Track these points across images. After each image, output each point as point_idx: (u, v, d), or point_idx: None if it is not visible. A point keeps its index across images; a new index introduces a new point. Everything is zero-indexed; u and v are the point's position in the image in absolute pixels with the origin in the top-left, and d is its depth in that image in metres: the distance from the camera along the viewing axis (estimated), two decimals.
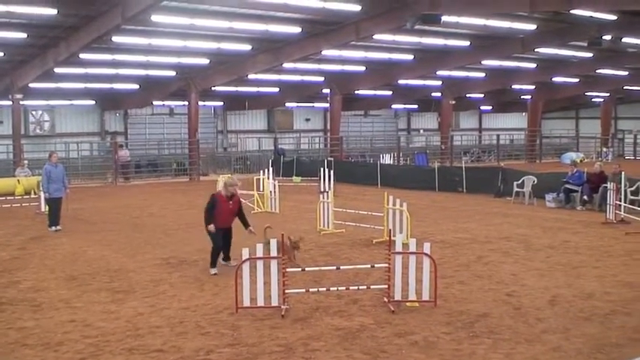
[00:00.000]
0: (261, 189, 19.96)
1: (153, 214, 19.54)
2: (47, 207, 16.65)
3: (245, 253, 8.78)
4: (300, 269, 9.64)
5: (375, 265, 9.74)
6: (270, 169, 21.18)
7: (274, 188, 19.54)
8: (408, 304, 8.93)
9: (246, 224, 11.44)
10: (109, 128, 39.70)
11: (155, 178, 33.76)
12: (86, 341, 7.64)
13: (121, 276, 11.10)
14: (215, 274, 10.92)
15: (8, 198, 21.93)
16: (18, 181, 25.96)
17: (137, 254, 13.05)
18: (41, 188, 17.88)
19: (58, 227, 16.06)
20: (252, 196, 19.75)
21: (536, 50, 30.56)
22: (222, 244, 11.32)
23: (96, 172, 34.12)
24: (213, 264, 11.14)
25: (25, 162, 28.86)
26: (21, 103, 32.03)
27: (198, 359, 6.98)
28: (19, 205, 21.26)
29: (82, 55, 25.91)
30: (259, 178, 20.31)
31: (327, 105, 39.63)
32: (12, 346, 7.57)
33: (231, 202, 11.19)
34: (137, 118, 40.39)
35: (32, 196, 22.30)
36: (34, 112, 37.04)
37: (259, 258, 8.80)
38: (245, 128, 44.16)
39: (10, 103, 31.83)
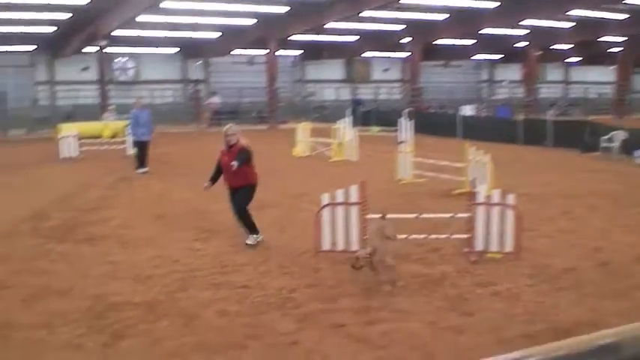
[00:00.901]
0: (339, 138, 20.00)
1: None
2: (134, 150, 17.24)
3: (325, 198, 8.86)
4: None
5: (457, 215, 9.66)
6: (349, 118, 21.17)
7: (353, 137, 19.55)
8: (489, 255, 8.85)
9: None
10: (191, 76, 40.45)
11: (236, 125, 34.25)
12: (174, 276, 7.95)
13: (204, 217, 11.46)
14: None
15: (97, 141, 22.72)
16: (106, 124, 26.86)
17: (219, 198, 13.29)
18: (129, 132, 18.51)
19: (145, 169, 16.62)
20: (330, 145, 19.86)
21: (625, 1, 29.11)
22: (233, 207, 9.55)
23: (179, 118, 34.93)
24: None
25: (112, 107, 29.77)
26: (106, 50, 32.91)
27: (282, 297, 7.15)
28: (107, 148, 22.05)
29: (165, 4, 26.28)
30: (337, 128, 20.34)
31: (406, 55, 39.03)
32: (104, 278, 7.95)
33: (227, 156, 9.33)
34: (218, 67, 40.92)
35: (119, 139, 23.07)
36: (119, 60, 38.06)
37: (338, 204, 8.87)
38: (323, 78, 44.11)
39: (95, 49, 32.76)
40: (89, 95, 34.71)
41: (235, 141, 9.32)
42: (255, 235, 9.41)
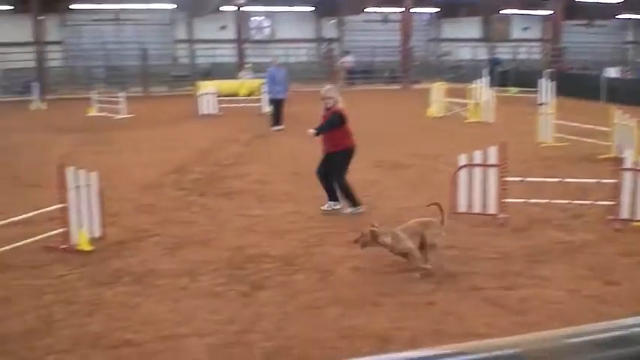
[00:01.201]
0: (476, 98, 19.49)
1: (367, 119, 19.91)
2: (270, 108, 17.63)
3: (462, 159, 8.68)
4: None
5: (602, 181, 9.19)
6: (486, 78, 20.56)
7: (490, 98, 19.00)
8: (635, 224, 8.38)
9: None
10: (325, 35, 40.63)
11: (368, 84, 34.25)
12: (309, 232, 8.11)
13: None
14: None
15: (233, 99, 23.41)
16: (242, 83, 27.58)
17: (355, 158, 13.44)
18: (265, 90, 18.94)
19: (281, 127, 16.98)
20: (466, 106, 19.41)
21: None
22: (321, 173, 9.08)
23: (313, 76, 35.29)
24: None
25: (249, 65, 30.48)
26: (243, 9, 33.64)
27: None
28: (243, 105, 22.68)
29: None
30: (473, 88, 19.82)
31: (547, 13, 37.23)
32: (242, 231, 8.24)
33: (323, 120, 9.07)
34: (352, 25, 40.81)
35: (255, 97, 23.65)
36: (255, 18, 38.83)
37: (476, 165, 8.66)
38: (459, 36, 42.99)
39: (233, 8, 33.58)
40: (226, 54, 35.68)
41: (332, 104, 8.89)
42: (354, 208, 8.90)
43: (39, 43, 31.69)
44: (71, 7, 36.50)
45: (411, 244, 6.62)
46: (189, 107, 22.72)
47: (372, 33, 40.58)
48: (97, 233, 7.82)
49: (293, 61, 36.13)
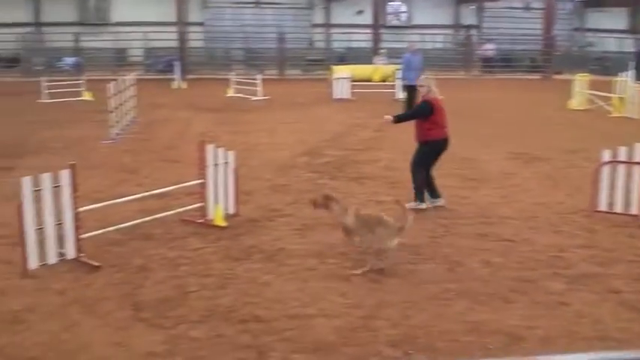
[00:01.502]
0: (621, 92, 18.46)
1: (504, 109, 19.43)
2: (404, 94, 17.52)
3: (606, 155, 8.25)
4: None
5: None
6: (632, 71, 19.44)
7: (635, 92, 17.94)
8: None
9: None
10: (463, 21, 39.83)
11: (507, 73, 33.28)
12: (439, 221, 8.01)
13: (471, 165, 11.36)
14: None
15: (366, 84, 23.45)
16: (376, 68, 27.58)
17: (487, 146, 13.18)
18: (399, 76, 18.83)
19: None
20: (610, 99, 18.44)
21: None
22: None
23: (449, 64, 34.74)
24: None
25: (384, 50, 30.41)
26: None
27: (551, 255, 6.86)
28: (376, 91, 22.69)
29: None
30: (618, 81, 18.78)
31: None
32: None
33: None
34: (492, 12, 39.74)
35: (389, 83, 23.58)
36: (392, 3, 38.64)
37: (621, 162, 8.20)
38: (604, 27, 40.81)
39: None
40: (362, 39, 35.78)
41: (425, 92, 8.50)
42: (416, 203, 8.40)
43: (181, 23, 33.08)
44: None
45: (348, 224, 6.47)
46: (322, 91, 23.00)
47: (512, 20, 39.32)
48: (232, 210, 8.10)
49: (429, 47, 35.67)
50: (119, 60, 35.30)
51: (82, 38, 33.81)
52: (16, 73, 33.24)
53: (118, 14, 38.34)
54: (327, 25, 39.75)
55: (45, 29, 37.82)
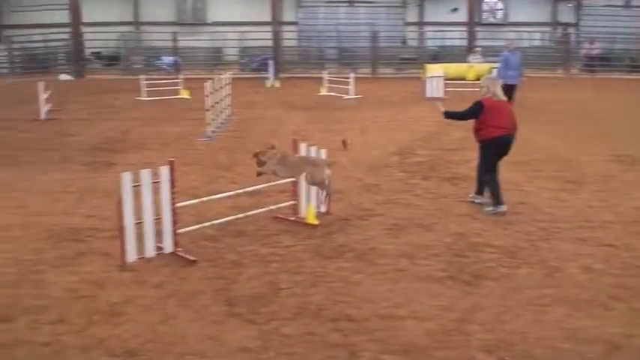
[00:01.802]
0: None
1: (604, 109, 18.68)
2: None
3: None
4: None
5: None
6: None
7: None
8: None
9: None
10: (561, 19, 38.60)
11: (607, 73, 32.04)
12: (536, 224, 7.79)
13: (570, 167, 10.99)
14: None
15: (460, 82, 23.07)
16: (471, 66, 27.10)
17: (587, 147, 12.73)
18: (497, 75, 18.41)
19: None
20: None
21: None
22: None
23: (546, 62, 33.75)
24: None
25: (478, 49, 29.86)
26: None
27: None
28: (470, 89, 22.27)
29: None
30: None
31: None
32: (465, 218, 8.12)
33: None
34: (591, 10, 38.30)
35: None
36: (488, 1, 37.90)
37: None
38: None
39: None
40: (456, 36, 35.20)
41: (484, 92, 8.46)
42: (493, 208, 8.33)
43: (276, 23, 33.54)
44: None
45: (278, 172, 7.72)
46: (415, 90, 22.79)
47: (612, 18, 37.73)
48: (324, 208, 8.13)
49: (526, 45, 34.72)
50: (215, 59, 36.17)
51: (179, 38, 34.76)
52: (117, 71, 34.62)
53: (214, 14, 39.26)
54: (421, 23, 39.34)
55: (144, 28, 39.17)
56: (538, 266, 6.47)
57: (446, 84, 21.73)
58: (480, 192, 8.76)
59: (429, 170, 10.81)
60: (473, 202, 8.78)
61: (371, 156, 11.98)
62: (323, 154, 8.06)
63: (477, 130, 8.43)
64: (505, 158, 8.53)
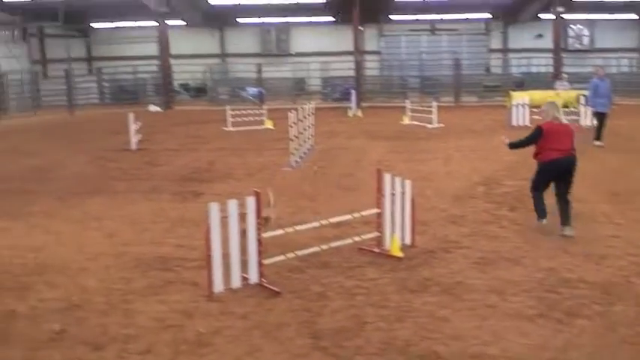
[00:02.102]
0: None
1: None
2: (594, 121, 16.67)
3: None
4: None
5: None
6: None
7: None
8: None
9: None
10: None
11: None
12: (629, 259, 7.46)
13: None
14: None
15: None
16: (557, 94, 26.47)
17: None
18: (584, 102, 17.94)
19: (600, 143, 15.95)
20: None
21: None
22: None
23: (635, 89, 32.63)
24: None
25: (565, 75, 29.19)
26: (562, 16, 32.31)
27: None
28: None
29: None
30: None
31: None
32: (555, 251, 7.83)
33: None
34: None
35: (569, 109, 22.51)
36: (573, 27, 37.07)
37: None
38: None
39: (551, 16, 32.40)
40: (541, 63, 34.60)
41: (543, 117, 8.87)
42: (538, 221, 8.86)
43: (358, 52, 33.78)
44: (390, 17, 38.31)
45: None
46: (500, 118, 22.45)
47: None
48: (408, 240, 8.04)
49: (614, 71, 33.77)
50: (298, 89, 36.69)
51: (263, 69, 35.49)
52: (204, 102, 35.59)
53: (297, 45, 39.94)
54: (505, 50, 38.88)
55: (230, 60, 40.20)
56: (633, 303, 6.17)
57: (532, 112, 21.27)
58: (565, 222, 8.57)
59: (515, 201, 10.56)
60: (563, 235, 8.50)
61: (455, 186, 11.81)
62: (407, 185, 7.99)
63: (536, 155, 8.80)
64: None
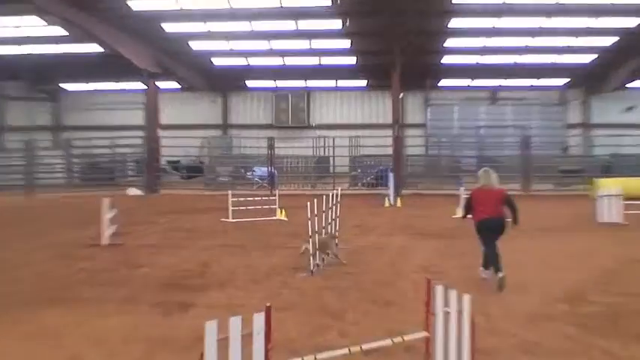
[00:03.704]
0: None
1: None
2: None
3: None
4: None
5: None
6: None
7: None
8: None
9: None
10: None
11: None
12: None
13: None
14: None
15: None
16: None
17: None
18: None
19: None
20: None
21: None
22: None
23: None
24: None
25: None
26: None
27: None
28: None
29: None
30: None
31: None
32: None
33: None
34: None
35: None
36: None
37: None
38: None
39: None
40: (634, 142, 34.62)
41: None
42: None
43: (397, 124, 33.98)
44: (439, 83, 38.77)
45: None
46: (583, 212, 22.25)
47: None
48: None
49: None
50: (320, 170, 36.72)
51: (276, 144, 35.69)
52: (198, 185, 35.85)
53: (319, 115, 40.37)
54: (587, 126, 39.02)
55: (233, 132, 40.66)
56: None
57: (625, 205, 21.07)
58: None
59: (610, 324, 10.26)
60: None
61: (528, 302, 11.54)
62: (466, 300, 7.75)
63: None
64: None
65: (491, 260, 12.66)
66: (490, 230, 12.71)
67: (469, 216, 13.27)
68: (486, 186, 12.87)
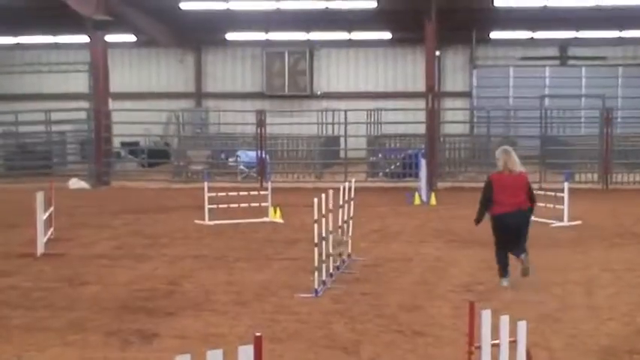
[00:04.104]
0: None
1: None
2: None
3: None
4: None
5: None
6: None
7: None
8: None
9: None
10: None
11: None
12: None
13: None
14: None
15: None
16: None
17: None
18: None
19: None
20: None
21: None
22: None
23: None
24: None
25: None
26: None
27: None
28: None
29: None
30: None
31: None
32: None
33: None
34: None
35: None
36: None
37: None
38: None
39: None
40: None
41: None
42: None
43: (432, 92, 33.54)
44: (490, 35, 38.69)
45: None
46: None
47: None
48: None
49: None
50: (327, 155, 36.02)
51: (268, 119, 34.61)
52: (163, 175, 35.64)
53: (325, 80, 39.87)
54: None
55: (209, 103, 40.25)
56: None
57: None
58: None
59: None
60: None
61: (604, 331, 11.70)
62: (521, 328, 7.95)
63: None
64: None
65: (513, 246, 13.72)
66: (513, 227, 13.64)
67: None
68: (508, 170, 13.56)
